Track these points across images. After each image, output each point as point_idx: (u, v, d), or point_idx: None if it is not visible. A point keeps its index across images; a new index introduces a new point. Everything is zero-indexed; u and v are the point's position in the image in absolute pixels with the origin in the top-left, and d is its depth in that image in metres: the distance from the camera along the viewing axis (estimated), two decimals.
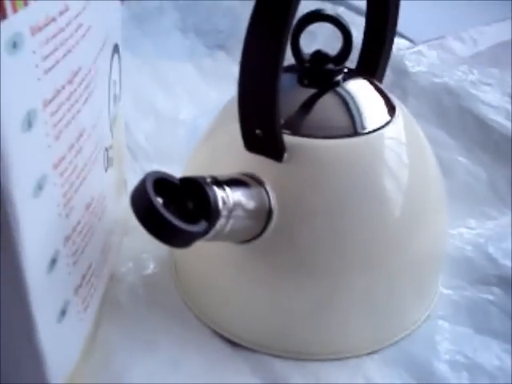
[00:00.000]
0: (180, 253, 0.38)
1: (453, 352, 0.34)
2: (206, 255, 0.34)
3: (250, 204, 0.29)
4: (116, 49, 0.35)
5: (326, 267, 0.32)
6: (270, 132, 0.30)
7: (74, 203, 0.28)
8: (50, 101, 0.24)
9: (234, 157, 0.32)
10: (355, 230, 0.32)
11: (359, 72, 0.36)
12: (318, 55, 0.33)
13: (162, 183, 0.26)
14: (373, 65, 0.37)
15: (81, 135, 0.28)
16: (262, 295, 0.33)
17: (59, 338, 0.28)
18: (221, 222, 0.27)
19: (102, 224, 0.32)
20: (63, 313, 0.28)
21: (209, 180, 0.27)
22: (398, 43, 0.60)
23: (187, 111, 0.56)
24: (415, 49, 0.60)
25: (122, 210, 0.39)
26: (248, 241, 0.31)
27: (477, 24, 0.63)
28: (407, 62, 0.57)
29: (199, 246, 0.34)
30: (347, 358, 0.34)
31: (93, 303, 0.32)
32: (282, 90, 0.33)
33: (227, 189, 0.28)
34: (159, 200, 0.25)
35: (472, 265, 0.40)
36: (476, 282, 0.39)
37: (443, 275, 0.39)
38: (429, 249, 0.35)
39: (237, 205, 0.28)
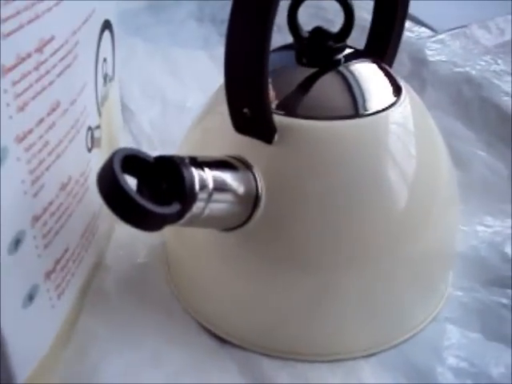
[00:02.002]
0: (171, 243, 0.36)
1: (459, 359, 0.31)
2: (193, 244, 0.32)
3: (235, 188, 0.27)
4: (107, 25, 0.34)
5: (319, 261, 0.29)
6: (258, 110, 0.27)
7: (44, 181, 0.26)
8: (11, 68, 0.22)
9: (224, 139, 0.30)
10: (353, 221, 0.29)
11: (366, 54, 0.34)
12: (318, 32, 0.31)
13: (134, 161, 0.24)
14: (382, 47, 0.35)
15: (53, 109, 0.26)
16: (249, 289, 0.30)
17: (25, 324, 0.26)
18: (198, 205, 0.25)
19: (83, 207, 0.31)
20: (30, 298, 0.26)
21: (187, 160, 0.25)
22: (419, 32, 0.57)
23: (195, 99, 0.54)
24: (436, 37, 0.56)
25: None
26: (233, 229, 0.28)
27: (503, 13, 0.59)
28: (427, 51, 0.54)
29: (188, 234, 0.33)
30: (341, 360, 0.31)
31: (70, 290, 0.30)
32: (278, 68, 0.31)
33: (207, 170, 0.26)
34: (126, 178, 0.23)
35: (486, 265, 0.37)
36: (489, 284, 0.36)
37: (454, 275, 0.36)
38: (436, 245, 0.32)
39: (218, 188, 0.26)
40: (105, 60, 0.34)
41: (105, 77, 0.34)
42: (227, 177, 0.27)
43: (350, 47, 0.32)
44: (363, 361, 0.31)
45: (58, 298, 0.29)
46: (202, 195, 0.25)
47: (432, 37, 0.57)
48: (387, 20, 0.34)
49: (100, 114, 0.33)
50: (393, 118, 0.30)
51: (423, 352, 0.32)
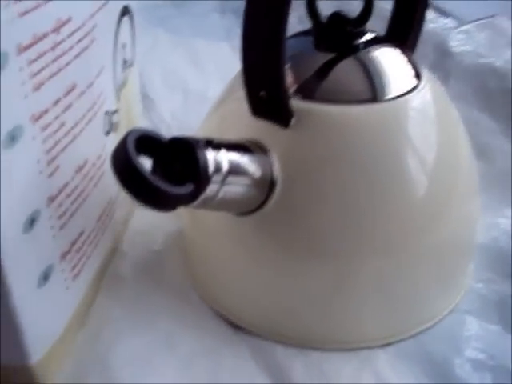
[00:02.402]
0: (188, 230, 0.36)
1: (477, 350, 0.31)
2: (209, 231, 0.32)
3: (250, 172, 0.27)
4: (126, 11, 0.34)
5: (335, 248, 0.29)
6: (274, 93, 0.27)
7: (60, 162, 0.26)
8: (28, 47, 0.22)
9: (241, 123, 0.30)
10: (372, 209, 0.29)
11: (387, 39, 0.33)
12: (337, 17, 0.30)
13: (149, 142, 0.24)
14: (403, 33, 0.34)
15: (70, 91, 0.26)
16: (264, 275, 0.30)
17: (40, 304, 0.26)
18: (212, 188, 0.25)
19: (99, 190, 0.31)
20: (45, 278, 0.26)
21: (202, 142, 0.25)
22: (444, 22, 0.56)
23: (216, 89, 0.54)
24: (462, 28, 0.55)
25: None
26: (247, 213, 0.28)
27: None
28: (451, 42, 0.53)
29: (205, 221, 0.32)
30: (357, 348, 0.31)
31: (85, 272, 0.30)
32: (296, 54, 0.31)
33: (222, 153, 0.26)
34: (140, 158, 0.23)
35: (507, 257, 0.36)
36: (509, 277, 0.35)
37: (474, 267, 0.35)
38: (456, 236, 0.32)
39: (233, 171, 0.26)
40: (124, 45, 0.34)
41: (124, 62, 0.34)
42: (243, 160, 0.27)
43: (371, 32, 0.32)
44: (380, 350, 0.31)
45: (73, 280, 0.29)
46: (217, 177, 0.25)
47: (457, 28, 0.56)
48: (409, 4, 0.33)
49: (118, 99, 0.34)
50: (412, 104, 0.30)
51: (441, 343, 0.31)
